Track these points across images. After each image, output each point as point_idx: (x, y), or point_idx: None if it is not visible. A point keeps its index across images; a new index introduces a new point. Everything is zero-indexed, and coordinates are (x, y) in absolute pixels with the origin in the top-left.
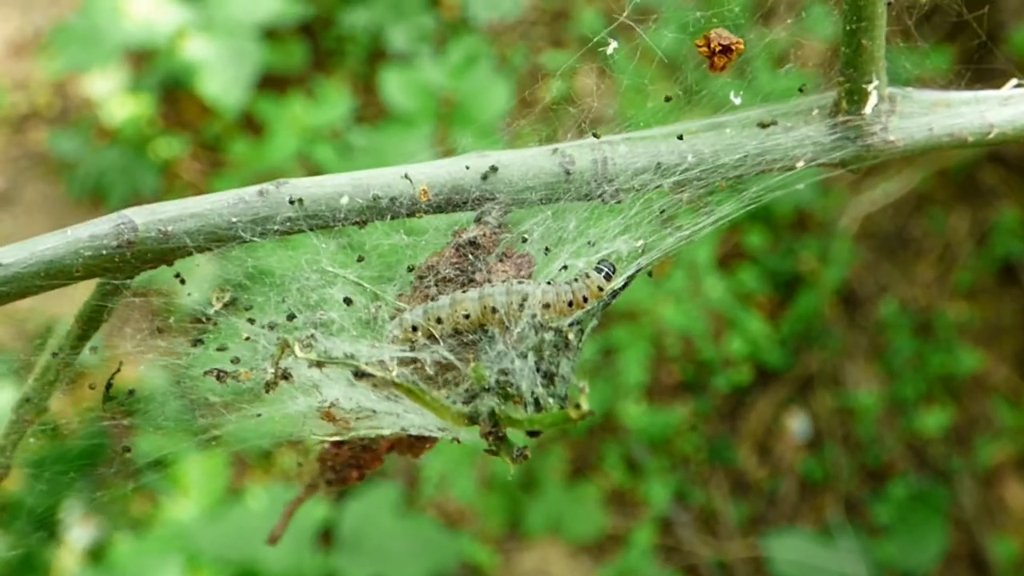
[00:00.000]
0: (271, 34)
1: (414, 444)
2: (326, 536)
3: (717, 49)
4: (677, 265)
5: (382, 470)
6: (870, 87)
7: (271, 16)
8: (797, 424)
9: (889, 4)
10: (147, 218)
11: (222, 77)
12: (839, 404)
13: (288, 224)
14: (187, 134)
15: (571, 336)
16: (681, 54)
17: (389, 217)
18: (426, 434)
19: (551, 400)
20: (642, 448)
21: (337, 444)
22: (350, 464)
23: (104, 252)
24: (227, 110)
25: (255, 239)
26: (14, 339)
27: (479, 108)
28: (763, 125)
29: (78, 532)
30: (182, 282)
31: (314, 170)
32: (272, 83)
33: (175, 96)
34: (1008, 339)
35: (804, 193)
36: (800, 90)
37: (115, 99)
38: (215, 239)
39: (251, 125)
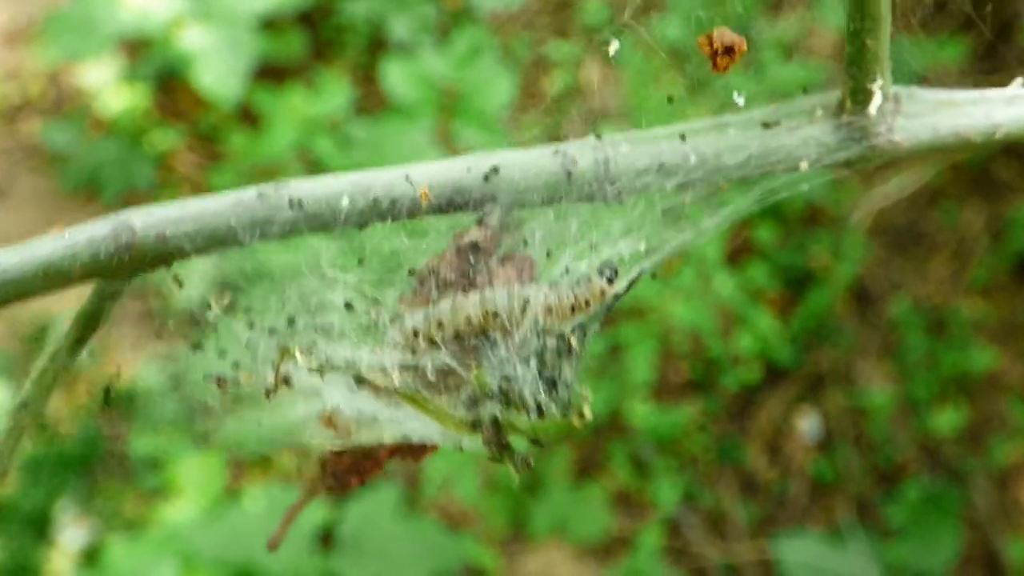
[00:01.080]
0: (269, 24)
1: (415, 450)
2: (326, 538)
3: (720, 50)
4: (686, 262)
5: (384, 471)
6: (874, 87)
7: (269, 5)
8: (808, 424)
9: (894, 3)
10: (145, 220)
11: (219, 67)
12: (851, 403)
13: (288, 227)
14: (183, 125)
15: (574, 341)
16: (686, 47)
17: (390, 219)
18: (428, 442)
19: (553, 407)
20: (649, 448)
21: (338, 451)
22: (350, 471)
23: (102, 256)
24: (224, 101)
25: (255, 242)
26: (4, 337)
27: (482, 99)
28: (767, 125)
29: (71, 534)
30: (180, 285)
31: (313, 162)
32: (270, 73)
33: (171, 86)
34: (1022, 337)
35: (815, 187)
36: (804, 90)
37: (110, 89)
38: (214, 242)
39: (248, 116)
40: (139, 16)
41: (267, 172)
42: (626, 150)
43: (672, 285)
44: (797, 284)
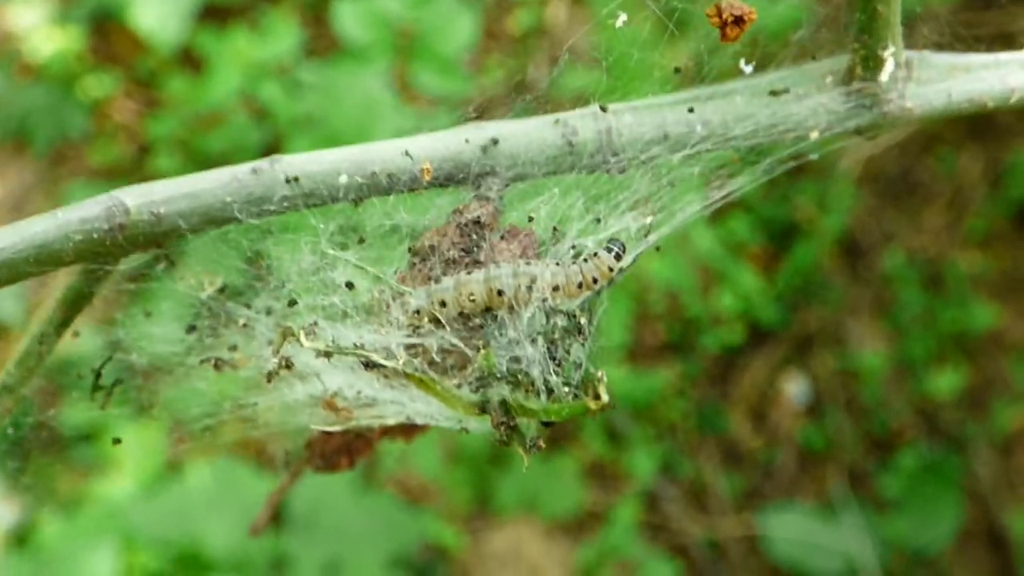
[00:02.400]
0: None
1: (407, 429)
2: (275, 516)
3: (729, 20)
4: None
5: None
6: (886, 53)
7: None
8: (795, 388)
9: None
10: (139, 200)
11: (158, 8)
12: (841, 365)
13: (285, 203)
14: (119, 70)
15: (583, 320)
16: None
17: (392, 195)
18: (432, 423)
19: (565, 388)
20: (624, 416)
21: (327, 431)
22: (340, 451)
23: (95, 236)
24: (164, 44)
25: (251, 220)
26: None
27: (441, 41)
28: (775, 93)
29: (0, 513)
30: (171, 264)
31: (260, 110)
32: (213, 14)
33: (106, 28)
34: None
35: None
36: (813, 57)
37: (40, 32)
38: (209, 220)
39: (189, 60)
40: None
41: (210, 120)
42: (630, 120)
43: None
44: (782, 238)
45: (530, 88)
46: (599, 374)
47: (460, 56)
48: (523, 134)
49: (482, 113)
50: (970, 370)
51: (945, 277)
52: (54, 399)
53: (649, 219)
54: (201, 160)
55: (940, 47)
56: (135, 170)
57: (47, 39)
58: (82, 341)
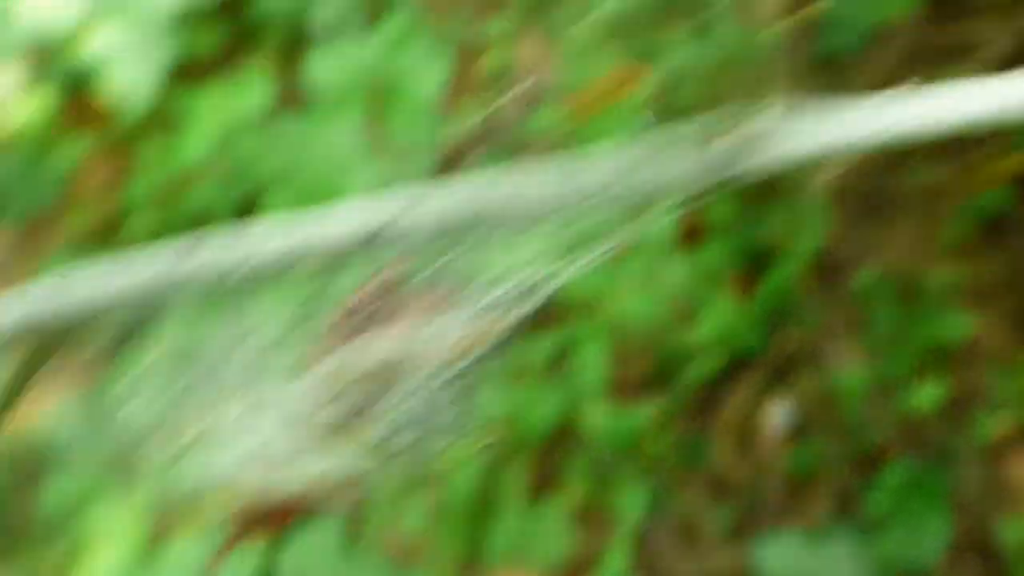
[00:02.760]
0: (184, 18)
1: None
2: None
3: (614, 85)
4: (634, 248)
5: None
6: (763, 104)
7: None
8: (778, 412)
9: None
10: (55, 298)
11: (131, 72)
12: (823, 386)
13: (213, 286)
14: (93, 134)
15: (477, 371)
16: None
17: (315, 265)
18: (352, 474)
19: (461, 433)
20: (607, 455)
21: (252, 500)
22: (266, 519)
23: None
24: (136, 106)
25: (177, 304)
26: None
27: (414, 87)
28: (637, 158)
29: None
30: (119, 346)
31: (234, 167)
32: (186, 71)
33: (79, 94)
34: (999, 299)
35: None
36: (693, 111)
37: (11, 100)
38: (135, 307)
39: (163, 120)
40: (44, 19)
41: (186, 178)
42: (515, 185)
43: (620, 271)
44: (756, 260)
45: (497, 132)
46: (484, 417)
47: (432, 101)
48: (444, 196)
49: (446, 163)
50: (951, 382)
51: (919, 290)
52: (34, 480)
53: (545, 271)
54: (178, 219)
55: (913, 57)
56: (112, 233)
57: (19, 107)
58: (56, 415)
